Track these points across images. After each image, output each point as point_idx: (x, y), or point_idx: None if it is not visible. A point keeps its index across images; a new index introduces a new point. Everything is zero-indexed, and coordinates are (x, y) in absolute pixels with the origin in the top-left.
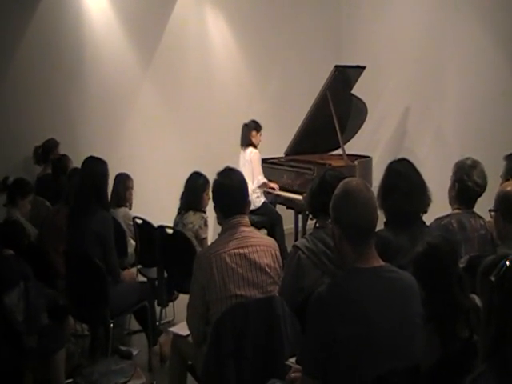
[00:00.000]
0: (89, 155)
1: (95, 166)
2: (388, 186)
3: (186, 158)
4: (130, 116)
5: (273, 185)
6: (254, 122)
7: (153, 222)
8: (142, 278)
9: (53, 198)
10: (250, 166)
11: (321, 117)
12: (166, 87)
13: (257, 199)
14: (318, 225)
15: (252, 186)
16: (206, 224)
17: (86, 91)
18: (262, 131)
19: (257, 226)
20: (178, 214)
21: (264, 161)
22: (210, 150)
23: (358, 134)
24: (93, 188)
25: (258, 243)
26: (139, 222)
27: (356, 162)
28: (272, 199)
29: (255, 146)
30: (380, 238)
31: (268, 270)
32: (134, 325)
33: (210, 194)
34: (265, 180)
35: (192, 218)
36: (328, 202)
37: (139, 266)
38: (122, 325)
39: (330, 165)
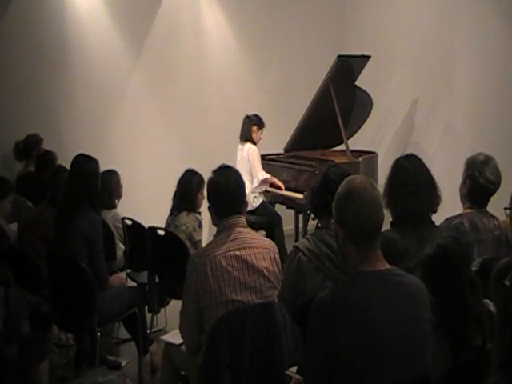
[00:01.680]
0: (74, 151)
1: (86, 165)
2: (395, 183)
3: (179, 154)
4: (119, 109)
5: (279, 182)
6: (257, 116)
7: (143, 222)
8: (131, 283)
9: (35, 198)
10: (247, 163)
11: (323, 110)
12: (157, 78)
13: (255, 199)
14: (319, 225)
15: (251, 186)
16: (200, 226)
17: (70, 82)
18: None
19: (254, 226)
20: (171, 214)
21: (262, 157)
22: (205, 146)
23: (362, 129)
24: (84, 188)
25: (256, 245)
26: (129, 222)
27: (360, 159)
28: (271, 198)
29: (254, 143)
30: (386, 239)
31: (266, 274)
32: (123, 333)
33: (205, 193)
34: (267, 176)
35: (185, 219)
36: (331, 200)
37: (129, 270)
38: (110, 333)
39: (332, 161)
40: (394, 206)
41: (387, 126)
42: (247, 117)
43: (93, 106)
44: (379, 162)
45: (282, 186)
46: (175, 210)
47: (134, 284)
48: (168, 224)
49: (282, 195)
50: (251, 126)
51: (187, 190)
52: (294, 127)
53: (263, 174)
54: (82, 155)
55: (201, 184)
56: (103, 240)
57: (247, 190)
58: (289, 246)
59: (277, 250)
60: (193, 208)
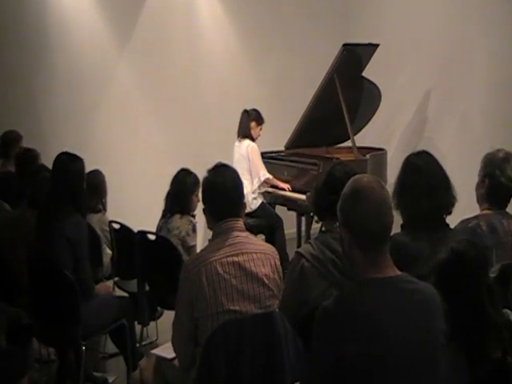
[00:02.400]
0: (56, 149)
1: (70, 164)
2: (405, 183)
3: (172, 152)
4: (105, 103)
5: (282, 184)
6: (256, 111)
7: (132, 226)
8: (119, 292)
9: (14, 200)
10: (246, 161)
11: (327, 104)
12: (145, 69)
13: (253, 200)
14: (324, 229)
15: (250, 186)
16: (194, 230)
17: (51, 73)
18: None
19: (253, 230)
20: (162, 217)
21: (262, 155)
22: (200, 143)
23: (370, 124)
24: (68, 189)
25: (255, 250)
26: (116, 226)
27: (368, 156)
28: (271, 199)
29: (253, 140)
30: (396, 243)
31: (266, 281)
32: (111, 347)
33: (200, 195)
34: (269, 176)
35: (178, 222)
36: (336, 201)
37: (116, 279)
38: (95, 347)
39: (337, 159)
40: (405, 207)
41: (397, 120)
42: (245, 111)
43: (77, 100)
44: (388, 160)
45: (286, 186)
46: (167, 213)
47: (123, 293)
48: (159, 228)
49: (283, 196)
50: (250, 122)
51: (181, 191)
52: (295, 122)
53: (265, 174)
54: (65, 153)
55: (196, 185)
56: (89, 245)
57: (245, 191)
58: (290, 252)
59: (277, 256)
60: (187, 210)
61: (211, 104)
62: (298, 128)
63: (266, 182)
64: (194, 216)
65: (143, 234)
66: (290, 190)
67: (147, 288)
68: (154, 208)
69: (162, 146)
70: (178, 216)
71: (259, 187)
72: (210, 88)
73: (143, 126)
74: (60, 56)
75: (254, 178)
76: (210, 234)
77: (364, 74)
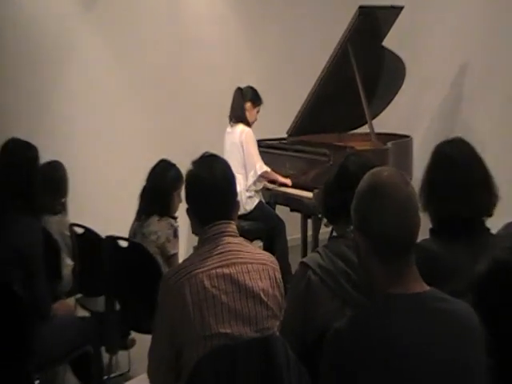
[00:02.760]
0: (3, 135)
1: (21, 153)
2: (436, 178)
3: (150, 141)
4: (65, 82)
5: (283, 179)
6: (252, 89)
7: (99, 231)
8: (82, 313)
9: None
10: (239, 151)
11: (338, 81)
12: (118, 39)
13: (248, 199)
14: (335, 234)
15: (244, 182)
16: (175, 235)
17: (1, 43)
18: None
19: (249, 236)
20: (137, 219)
21: (259, 144)
22: (185, 131)
23: (392, 105)
24: (17, 183)
25: (250, 260)
26: (80, 231)
27: (389, 144)
28: (270, 198)
29: (249, 125)
30: (424, 252)
31: (264, 298)
32: (72, 381)
33: (183, 193)
34: (267, 169)
35: (156, 225)
36: (350, 200)
37: (79, 295)
38: (53, 382)
39: (352, 148)
40: (435, 209)
41: (425, 100)
42: (239, 89)
43: (29, 74)
44: (415, 149)
45: (289, 182)
46: (143, 214)
47: (87, 314)
48: (133, 232)
49: (285, 194)
50: (245, 102)
51: (160, 187)
52: (300, 104)
53: (262, 166)
54: (15, 140)
55: (178, 180)
56: (44, 255)
57: (239, 188)
58: (294, 262)
59: (278, 267)
60: (167, 211)
61: (198, 85)
62: (303, 110)
63: (263, 177)
64: (175, 218)
65: (113, 239)
66: (292, 186)
67: (117, 307)
68: (127, 208)
69: (137, 135)
70: (155, 218)
71: (255, 183)
72: (197, 64)
73: (114, 109)
74: (9, 22)
75: (248, 172)
76: (195, 240)
77: (384, 43)
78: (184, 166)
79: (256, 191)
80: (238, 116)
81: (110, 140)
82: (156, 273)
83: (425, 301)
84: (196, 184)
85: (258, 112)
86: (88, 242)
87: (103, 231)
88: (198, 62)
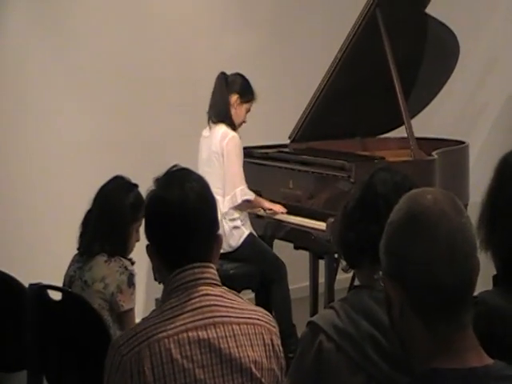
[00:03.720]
0: None
1: None
2: (503, 203)
3: (97, 150)
4: None
5: (270, 205)
6: (242, 78)
7: (21, 277)
8: None
9: None
10: (219, 163)
11: (362, 65)
12: (58, 19)
13: (234, 231)
14: (358, 282)
15: (222, 207)
16: (131, 283)
17: None
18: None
19: (234, 284)
20: (77, 260)
21: (248, 153)
22: (148, 137)
23: (439, 99)
24: None
25: (237, 319)
26: None
27: (435, 154)
28: (266, 229)
29: (234, 127)
30: (486, 309)
31: (257, 374)
32: None
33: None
34: (250, 196)
35: (104, 269)
36: (378, 235)
37: None
38: None
39: (381, 159)
40: (502, 247)
41: (487, 93)
42: (223, 75)
43: None
44: (472, 161)
45: (278, 208)
46: (85, 252)
47: None
48: (70, 278)
49: (287, 224)
50: (230, 94)
51: (112, 213)
52: (307, 98)
53: (245, 192)
54: None
55: (138, 206)
56: None
57: (219, 214)
58: (300, 322)
59: (276, 329)
60: (119, 250)
61: (167, 74)
62: (312, 107)
63: (242, 207)
64: (130, 260)
65: (40, 289)
66: (298, 214)
67: None
68: (62, 244)
69: (84, 142)
70: (102, 258)
71: (237, 209)
72: (165, 48)
73: (52, 103)
74: None
75: (226, 194)
76: (158, 290)
77: (428, 10)
78: (145, 186)
79: (243, 217)
80: (218, 113)
81: (45, 151)
82: (102, 337)
83: (485, 379)
84: (161, 212)
85: (248, 111)
86: (5, 293)
87: (26, 278)
88: (166, 46)
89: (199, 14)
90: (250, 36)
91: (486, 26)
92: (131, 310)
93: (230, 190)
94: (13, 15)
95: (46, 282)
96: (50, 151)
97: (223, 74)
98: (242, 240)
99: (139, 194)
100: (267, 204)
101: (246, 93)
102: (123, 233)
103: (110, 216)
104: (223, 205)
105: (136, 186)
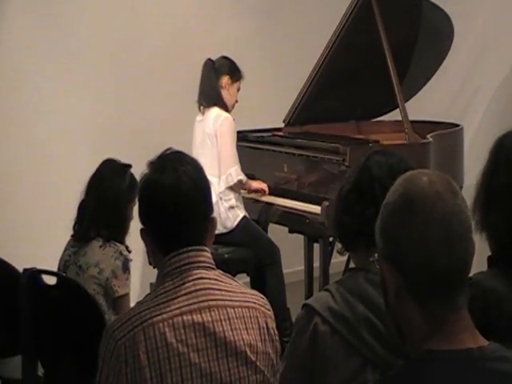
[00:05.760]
0: None
1: None
2: (498, 184)
3: (89, 134)
4: None
5: (257, 184)
6: (228, 60)
7: (15, 263)
8: None
9: None
10: (214, 145)
11: (357, 47)
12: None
13: (229, 213)
14: (353, 265)
15: (218, 187)
16: (126, 268)
17: None
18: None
19: (229, 268)
20: (72, 245)
21: (243, 137)
22: (141, 122)
23: (434, 81)
24: None
25: (232, 303)
26: None
27: (430, 137)
28: (260, 213)
29: (227, 108)
30: (480, 290)
31: (252, 357)
32: None
33: (136, 208)
34: (242, 176)
35: (99, 254)
36: (374, 218)
37: None
38: None
39: (376, 143)
40: (497, 229)
41: (481, 74)
42: (210, 62)
43: None
44: (467, 144)
45: (262, 187)
46: (81, 238)
47: None
48: (64, 263)
49: (281, 207)
50: (219, 78)
51: (110, 199)
52: (301, 81)
53: (238, 172)
54: None
55: (132, 189)
56: None
57: (215, 197)
58: (295, 305)
59: (271, 312)
60: (117, 233)
61: (158, 57)
62: (306, 91)
63: (235, 188)
64: (127, 248)
65: (34, 274)
66: (293, 198)
67: (40, 372)
68: (56, 229)
69: (76, 129)
70: (97, 243)
71: (233, 189)
72: (156, 32)
73: (42, 93)
74: None
75: (221, 175)
76: (152, 274)
77: None
78: (139, 170)
79: (238, 199)
80: (210, 97)
81: (36, 139)
82: (97, 322)
83: (481, 360)
84: (154, 195)
85: (238, 90)
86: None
87: (20, 263)
88: (159, 32)
89: (194, 1)
90: (243, 21)
91: (480, 7)
92: (126, 295)
93: (224, 170)
94: None
95: (39, 266)
96: (41, 138)
97: (210, 60)
98: (236, 222)
99: (132, 175)
100: (255, 185)
101: (235, 72)
102: (121, 216)
103: (108, 201)
104: (219, 185)
105: (129, 166)
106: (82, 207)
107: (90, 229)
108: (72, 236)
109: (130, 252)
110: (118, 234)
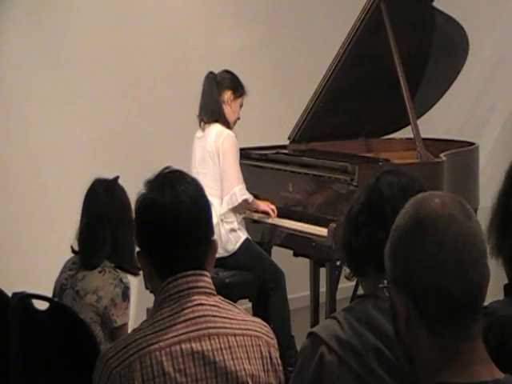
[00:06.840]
0: None
1: None
2: None
3: (87, 152)
4: None
5: (265, 206)
6: (230, 74)
7: (5, 287)
8: None
9: None
10: (215, 163)
11: (365, 61)
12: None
13: (230, 235)
14: (362, 291)
15: (219, 209)
16: (126, 296)
17: None
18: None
19: (230, 293)
20: (69, 267)
21: (245, 155)
22: (137, 132)
23: (447, 98)
24: None
25: (233, 331)
26: None
27: (443, 156)
28: (263, 235)
29: (229, 125)
30: (496, 319)
31: None
32: None
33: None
34: (248, 196)
35: (98, 280)
36: (384, 241)
37: None
38: None
39: (386, 161)
40: None
41: (498, 90)
42: (212, 75)
43: None
44: (482, 163)
45: (270, 209)
46: (82, 265)
47: None
48: (61, 286)
49: (286, 229)
50: (221, 93)
51: (126, 227)
52: (307, 96)
53: (243, 191)
54: None
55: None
56: None
57: (215, 218)
58: (300, 333)
59: (275, 341)
60: (119, 259)
61: (159, 69)
62: (312, 106)
63: (240, 208)
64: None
65: (26, 298)
66: (298, 219)
67: None
68: (52, 252)
69: (73, 141)
70: (97, 269)
71: (236, 210)
72: (157, 43)
73: (37, 106)
74: None
75: (223, 195)
76: (149, 299)
77: (437, 3)
78: (132, 186)
79: (241, 220)
80: (211, 112)
81: (29, 153)
82: (92, 353)
83: None
84: (152, 217)
85: (241, 106)
86: None
87: (9, 287)
88: (159, 43)
89: (193, 11)
90: (246, 33)
91: (494, 23)
92: (125, 325)
93: (228, 190)
94: None
95: (31, 290)
96: (33, 151)
97: (212, 73)
98: (238, 245)
99: (123, 191)
100: (263, 206)
101: (238, 87)
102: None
103: (124, 230)
104: (221, 206)
105: (116, 179)
106: (84, 232)
107: (84, 252)
108: (69, 263)
109: (138, 275)
110: (119, 258)
